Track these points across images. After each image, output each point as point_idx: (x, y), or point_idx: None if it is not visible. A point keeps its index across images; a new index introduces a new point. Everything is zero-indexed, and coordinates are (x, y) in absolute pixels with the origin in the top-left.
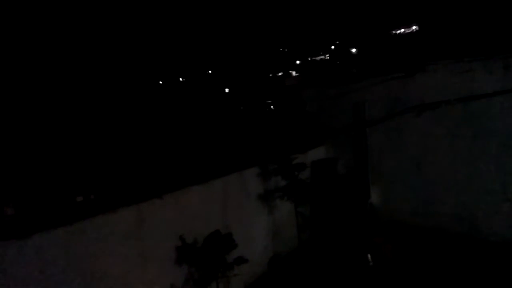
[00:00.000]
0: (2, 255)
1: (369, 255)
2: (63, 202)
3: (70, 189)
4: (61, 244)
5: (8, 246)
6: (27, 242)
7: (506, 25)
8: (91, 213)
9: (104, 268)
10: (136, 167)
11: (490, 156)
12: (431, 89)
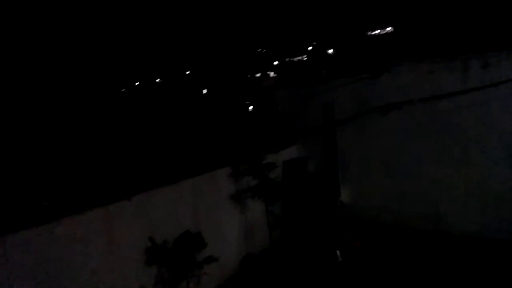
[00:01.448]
0: None
1: (338, 251)
2: (30, 207)
3: (36, 193)
4: (29, 246)
5: None
6: None
7: (465, 28)
8: (58, 216)
9: (72, 270)
10: (104, 169)
11: (452, 153)
12: (396, 90)
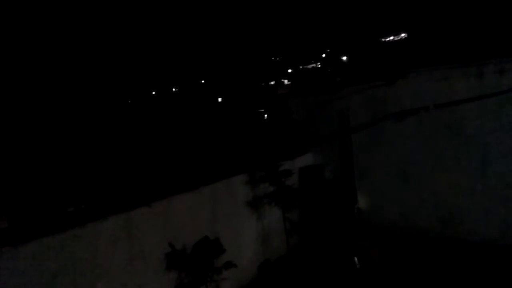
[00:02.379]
0: None
1: (355, 258)
2: (55, 213)
3: (61, 200)
4: (54, 251)
5: (2, 253)
6: (21, 249)
7: (480, 35)
8: (82, 221)
9: (95, 274)
10: (126, 176)
11: (470, 159)
12: (411, 96)
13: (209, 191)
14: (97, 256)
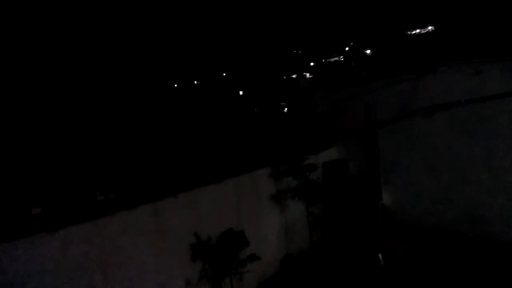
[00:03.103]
0: (30, 248)
1: (380, 255)
2: (86, 201)
3: (92, 188)
4: (84, 238)
5: (36, 239)
6: (54, 235)
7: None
8: (112, 210)
9: (123, 262)
10: (153, 167)
11: (502, 156)
12: (441, 90)
13: (234, 183)
14: (126, 245)
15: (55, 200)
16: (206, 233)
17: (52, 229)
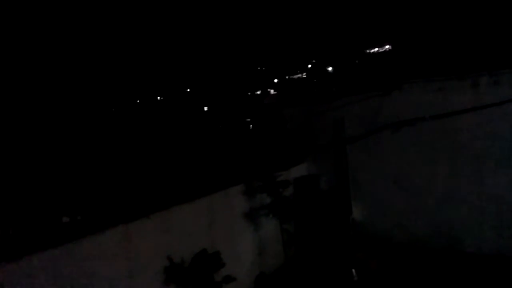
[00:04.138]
0: None
1: (353, 270)
2: (50, 223)
3: (56, 210)
4: (51, 265)
5: None
6: (18, 264)
7: (475, 46)
8: (79, 234)
9: None
10: (122, 186)
11: (465, 170)
12: (407, 107)
13: (207, 201)
14: (95, 270)
15: (14, 222)
16: (180, 255)
17: (16, 258)
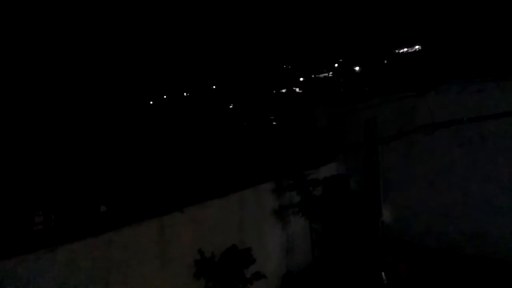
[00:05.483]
0: (33, 266)
1: (383, 274)
2: (88, 213)
3: (94, 199)
4: (88, 254)
5: (38, 256)
6: (57, 252)
7: None
8: (117, 225)
9: (127, 277)
10: (157, 180)
11: (503, 175)
12: (443, 108)
13: (238, 197)
14: (130, 260)
15: (56, 209)
16: (210, 249)
17: (56, 245)
